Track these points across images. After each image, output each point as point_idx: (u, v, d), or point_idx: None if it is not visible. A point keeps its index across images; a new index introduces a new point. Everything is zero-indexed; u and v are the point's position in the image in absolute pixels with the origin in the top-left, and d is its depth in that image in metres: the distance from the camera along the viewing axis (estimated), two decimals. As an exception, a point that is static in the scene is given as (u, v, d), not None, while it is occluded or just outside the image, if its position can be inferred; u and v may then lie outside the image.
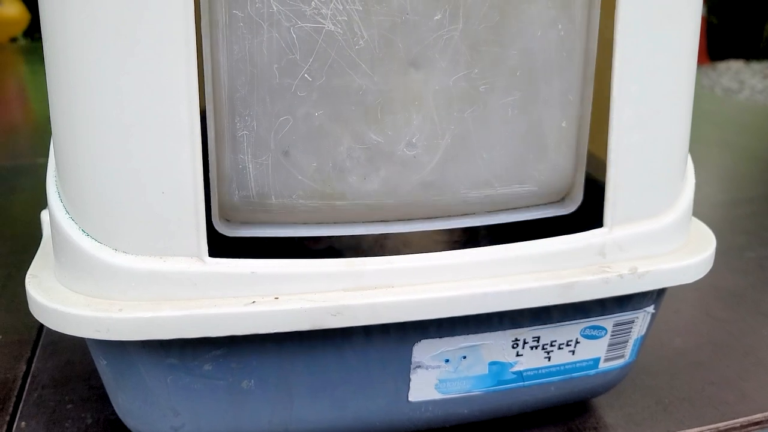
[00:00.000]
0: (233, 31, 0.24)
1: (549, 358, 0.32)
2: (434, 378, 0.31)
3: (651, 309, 0.32)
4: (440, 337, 0.30)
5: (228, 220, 0.27)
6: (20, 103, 1.31)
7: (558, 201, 0.31)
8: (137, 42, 0.23)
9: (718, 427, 0.36)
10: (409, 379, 0.30)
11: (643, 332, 0.33)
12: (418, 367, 0.30)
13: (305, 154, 0.27)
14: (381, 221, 0.29)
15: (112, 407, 0.31)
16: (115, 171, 0.25)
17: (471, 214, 0.30)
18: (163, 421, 0.29)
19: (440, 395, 0.31)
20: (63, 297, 0.26)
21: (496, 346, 0.31)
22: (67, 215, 0.26)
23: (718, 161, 0.90)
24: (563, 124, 0.29)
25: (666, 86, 0.29)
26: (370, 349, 0.29)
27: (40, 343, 0.43)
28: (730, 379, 0.41)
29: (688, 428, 0.36)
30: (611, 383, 0.35)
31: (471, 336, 0.30)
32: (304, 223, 0.28)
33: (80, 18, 0.23)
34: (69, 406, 0.37)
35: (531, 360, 0.32)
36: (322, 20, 0.25)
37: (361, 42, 0.25)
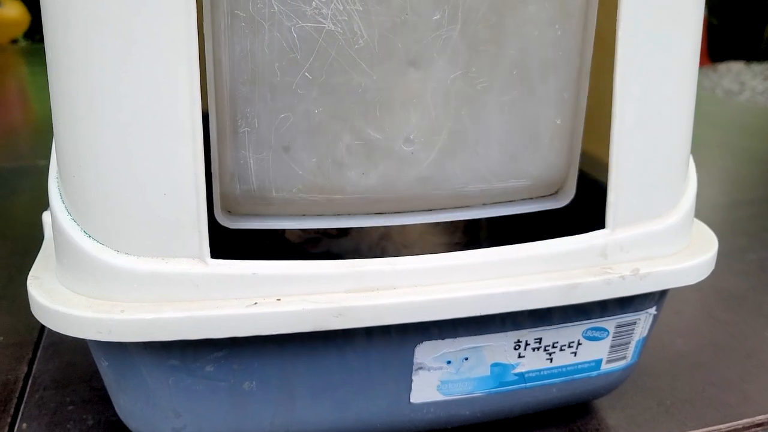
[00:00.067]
0: (235, 30, 0.25)
1: (551, 360, 0.32)
2: (436, 379, 0.31)
3: (653, 310, 0.32)
4: (442, 339, 0.30)
5: (230, 212, 0.28)
6: (21, 104, 1.31)
7: (552, 194, 0.31)
8: (139, 43, 0.23)
9: (719, 429, 0.36)
10: (411, 381, 0.30)
11: (645, 334, 0.33)
12: (420, 368, 0.30)
13: (305, 150, 0.27)
14: (379, 214, 0.29)
15: (114, 409, 0.31)
16: (117, 172, 0.25)
17: (467, 207, 0.30)
18: (165, 422, 0.29)
19: (442, 397, 0.31)
20: (65, 298, 0.26)
21: (498, 347, 0.31)
22: (69, 217, 0.26)
23: (719, 163, 0.90)
24: (558, 121, 0.29)
25: (668, 87, 0.29)
26: (372, 350, 0.29)
27: (42, 344, 0.43)
28: (732, 380, 0.41)
29: (690, 430, 0.36)
30: (613, 385, 0.35)
31: (473, 337, 0.30)
32: (304, 216, 0.28)
33: (83, 18, 0.23)
34: (70, 407, 0.37)
35: (533, 361, 0.32)
36: (322, 20, 0.25)
37: (361, 41, 0.25)
